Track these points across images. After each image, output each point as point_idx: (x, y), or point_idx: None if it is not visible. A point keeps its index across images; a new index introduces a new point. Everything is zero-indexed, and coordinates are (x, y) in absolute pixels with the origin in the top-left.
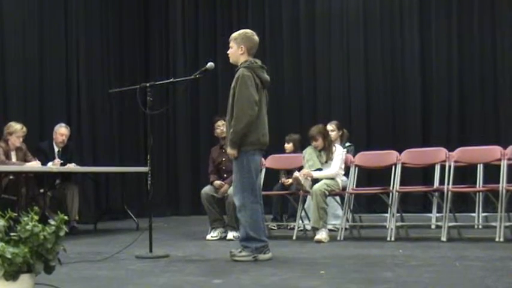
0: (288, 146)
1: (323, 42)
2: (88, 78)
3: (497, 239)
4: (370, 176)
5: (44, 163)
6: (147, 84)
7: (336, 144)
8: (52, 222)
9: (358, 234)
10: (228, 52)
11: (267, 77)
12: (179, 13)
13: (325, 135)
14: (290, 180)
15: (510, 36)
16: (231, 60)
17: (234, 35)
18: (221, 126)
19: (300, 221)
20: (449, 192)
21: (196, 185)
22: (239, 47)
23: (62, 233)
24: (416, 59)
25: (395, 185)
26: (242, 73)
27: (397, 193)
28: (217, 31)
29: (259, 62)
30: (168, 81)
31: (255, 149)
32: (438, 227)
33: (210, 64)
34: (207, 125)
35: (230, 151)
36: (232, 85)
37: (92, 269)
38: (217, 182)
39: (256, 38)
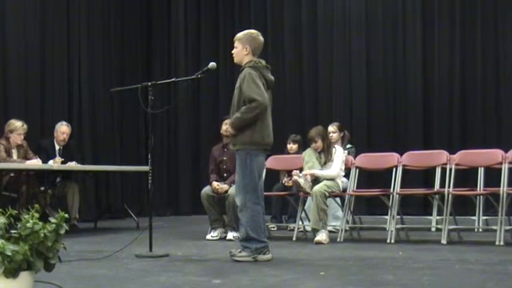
0: (294, 147)
1: (325, 44)
2: (89, 76)
3: (497, 243)
4: (371, 178)
5: (45, 161)
6: (149, 84)
7: (336, 146)
8: (52, 220)
9: (358, 236)
10: (233, 52)
11: (271, 77)
12: (181, 13)
13: (324, 137)
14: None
15: None
16: (235, 60)
17: (239, 35)
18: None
19: (300, 222)
20: (450, 195)
21: (196, 185)
22: (244, 47)
23: (62, 231)
24: (418, 62)
25: (396, 187)
26: (248, 71)
27: (397, 195)
28: (219, 31)
29: (263, 62)
30: (170, 80)
31: (259, 149)
32: (438, 229)
33: (212, 64)
34: (208, 124)
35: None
36: (237, 85)
37: (92, 267)
38: (215, 184)
39: (261, 38)
